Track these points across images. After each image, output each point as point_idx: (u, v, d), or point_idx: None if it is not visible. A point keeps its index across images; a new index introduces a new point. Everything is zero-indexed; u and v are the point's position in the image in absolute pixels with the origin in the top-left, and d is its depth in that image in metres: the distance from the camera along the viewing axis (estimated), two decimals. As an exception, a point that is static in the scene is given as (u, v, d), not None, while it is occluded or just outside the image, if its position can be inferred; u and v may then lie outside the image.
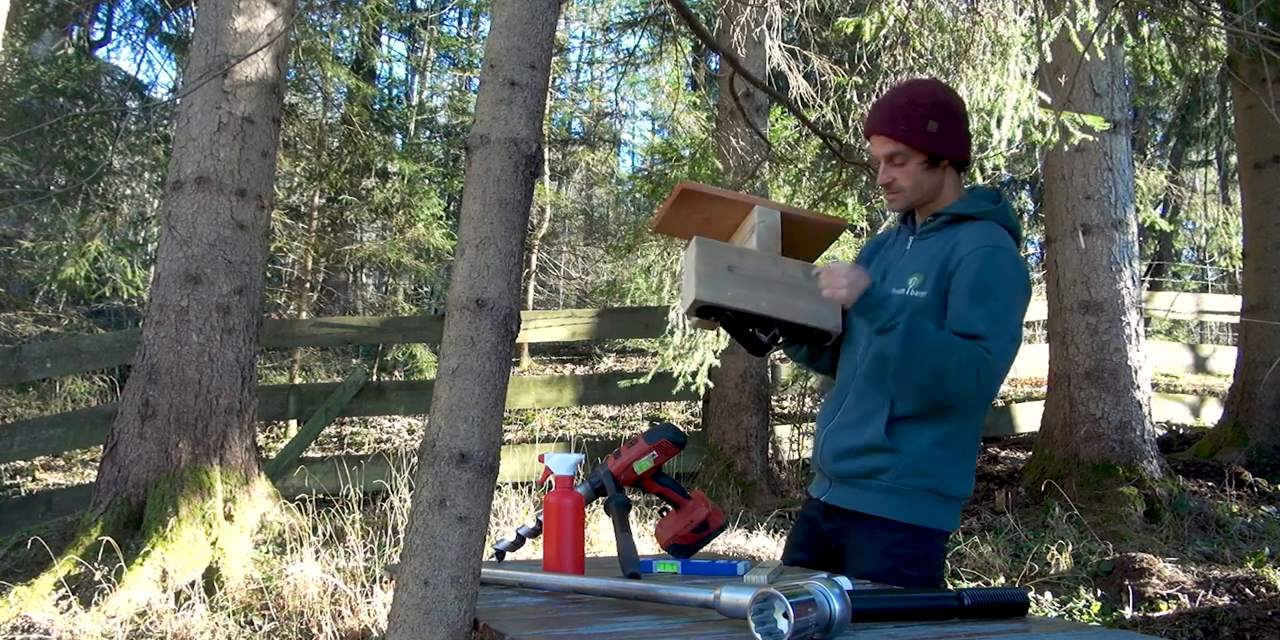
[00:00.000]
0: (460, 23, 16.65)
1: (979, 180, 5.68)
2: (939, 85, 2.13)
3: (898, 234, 2.14)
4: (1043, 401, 6.50)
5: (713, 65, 12.83)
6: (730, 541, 4.88)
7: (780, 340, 2.05)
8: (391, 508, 4.76)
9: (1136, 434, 5.85)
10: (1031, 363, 7.81)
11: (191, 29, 8.59)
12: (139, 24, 10.70)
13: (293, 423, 8.03)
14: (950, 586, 4.31)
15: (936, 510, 1.92)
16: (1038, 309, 8.06)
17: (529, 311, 8.55)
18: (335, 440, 8.84)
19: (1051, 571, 4.61)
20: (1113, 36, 5.42)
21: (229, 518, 4.40)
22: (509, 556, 2.08)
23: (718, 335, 1.82)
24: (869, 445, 1.94)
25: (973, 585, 4.36)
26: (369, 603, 3.83)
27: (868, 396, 1.97)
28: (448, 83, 15.65)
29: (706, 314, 2.00)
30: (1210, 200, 13.68)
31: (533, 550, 3.30)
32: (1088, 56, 5.02)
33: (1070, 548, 4.77)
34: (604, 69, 16.26)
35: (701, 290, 1.96)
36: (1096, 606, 4.17)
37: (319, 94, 10.04)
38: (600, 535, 4.32)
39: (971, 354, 1.79)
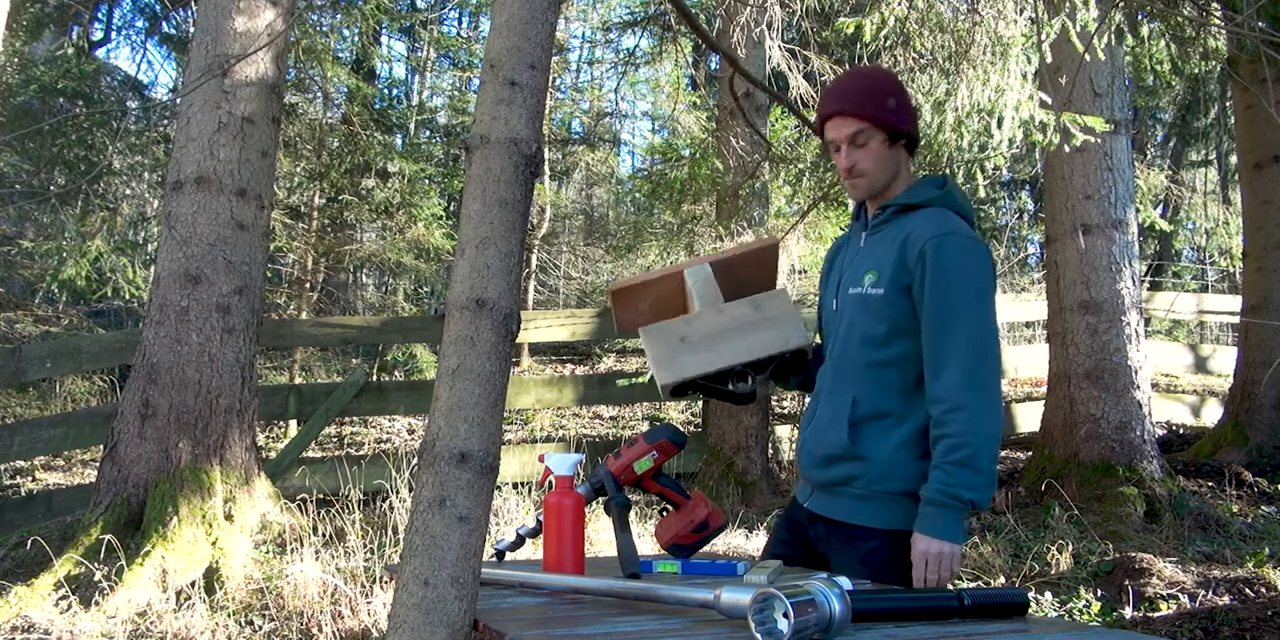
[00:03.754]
0: (460, 23, 16.67)
1: (979, 180, 5.68)
2: (884, 69, 2.15)
3: (851, 233, 2.14)
4: (1043, 401, 6.50)
5: (713, 65, 12.83)
6: (730, 541, 4.88)
7: (757, 380, 2.05)
8: (391, 508, 4.76)
9: (1136, 434, 5.85)
10: (1031, 363, 7.82)
11: (191, 29, 8.59)
12: (139, 24, 10.71)
13: (293, 423, 8.03)
14: (950, 586, 4.31)
15: (913, 512, 1.87)
16: (1038, 309, 8.06)
17: (529, 311, 8.55)
18: (335, 440, 8.84)
19: (1051, 571, 4.60)
20: (1113, 36, 5.42)
21: (229, 518, 4.39)
22: (509, 556, 2.08)
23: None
24: (835, 453, 1.94)
25: (973, 585, 4.36)
26: (369, 603, 3.83)
27: (834, 397, 1.98)
28: (448, 83, 15.66)
29: (682, 391, 2.04)
30: (1210, 200, 13.68)
31: (533, 550, 3.30)
32: (1088, 57, 5.03)
33: (1070, 548, 4.77)
34: (604, 69, 16.27)
35: (662, 374, 2.01)
36: (1096, 606, 4.17)
37: (319, 94, 10.04)
38: (600, 535, 4.32)
39: (971, 430, 1.80)
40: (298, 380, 9.38)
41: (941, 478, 1.81)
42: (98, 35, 11.01)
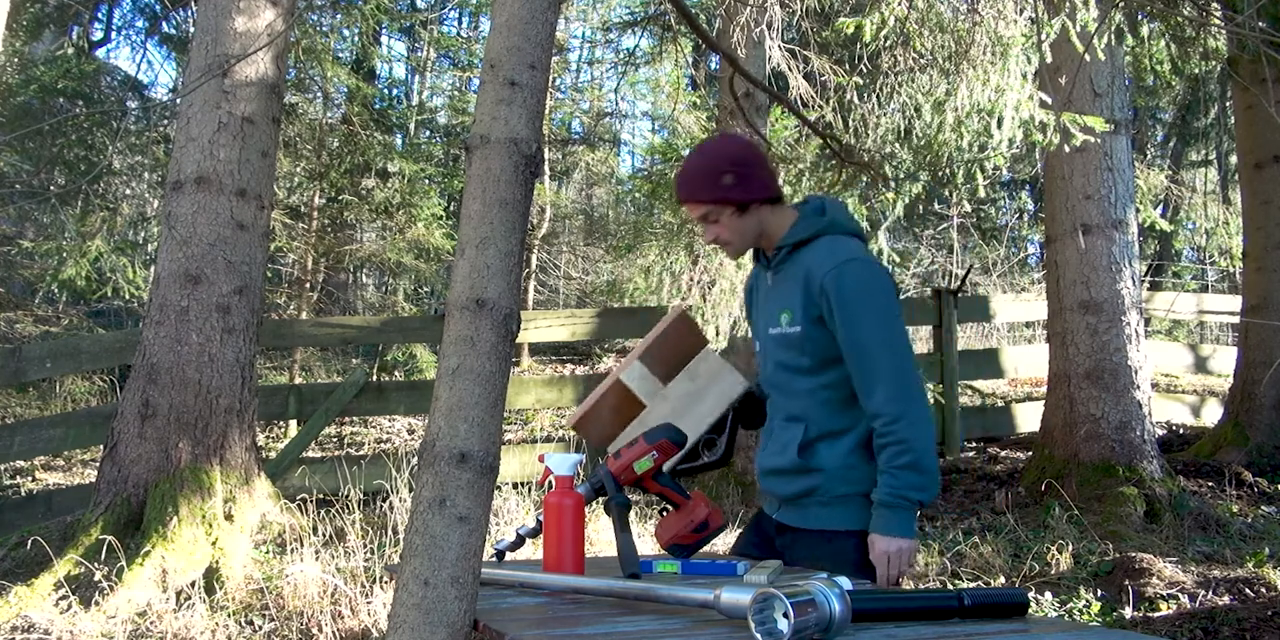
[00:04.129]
0: (460, 23, 16.65)
1: (979, 180, 5.68)
2: (729, 139, 2.30)
3: (758, 272, 2.27)
4: (1043, 401, 6.50)
5: (713, 65, 12.83)
6: (730, 541, 4.88)
7: (723, 441, 2.19)
8: (391, 508, 4.76)
9: (1136, 434, 5.85)
10: (1031, 363, 7.82)
11: (191, 29, 8.59)
12: (139, 24, 10.71)
13: (293, 423, 8.03)
14: (950, 586, 4.31)
15: (868, 512, 2.01)
16: (1038, 309, 8.05)
17: (529, 311, 8.54)
18: (335, 440, 8.84)
19: (1051, 571, 4.60)
20: (1113, 36, 5.42)
21: (229, 518, 4.39)
22: (509, 556, 2.08)
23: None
24: (790, 468, 2.08)
25: (973, 585, 4.36)
26: (369, 603, 3.83)
27: (788, 425, 2.12)
28: (448, 83, 15.65)
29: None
30: (1210, 200, 13.67)
31: (533, 550, 3.30)
32: (1088, 57, 5.03)
33: (1070, 548, 4.77)
34: (604, 69, 16.26)
35: None
36: (1096, 606, 4.17)
37: (319, 94, 10.04)
38: (600, 535, 4.32)
39: (913, 437, 1.95)
40: (298, 380, 9.38)
41: (890, 481, 1.95)
42: (98, 35, 11.01)
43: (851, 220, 2.16)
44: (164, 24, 10.35)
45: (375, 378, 9.40)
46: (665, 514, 2.13)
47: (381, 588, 3.89)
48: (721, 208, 2.08)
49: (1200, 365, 9.49)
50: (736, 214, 2.08)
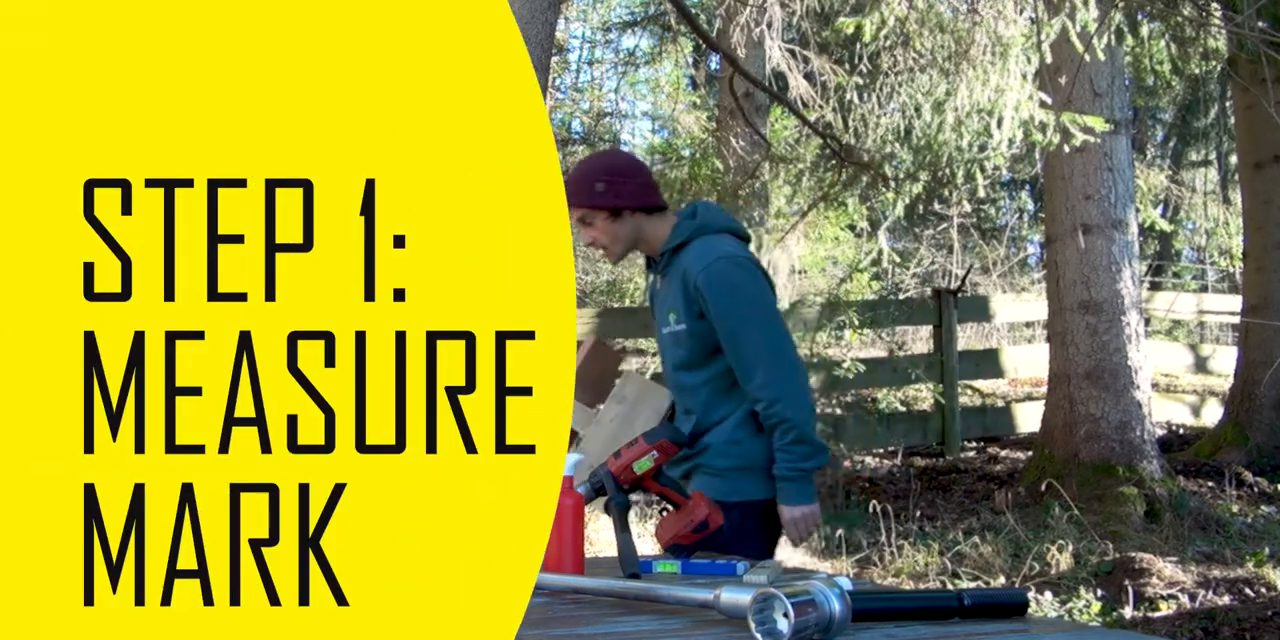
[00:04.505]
0: (460, 23, 16.64)
1: (979, 180, 5.69)
2: (611, 152, 2.66)
3: (652, 278, 2.44)
4: (1043, 401, 6.50)
5: (713, 65, 12.82)
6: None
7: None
8: (391, 508, 4.75)
9: (1136, 434, 5.85)
10: (1031, 363, 7.82)
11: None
12: (139, 24, 10.70)
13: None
14: (950, 586, 4.32)
15: (754, 484, 2.20)
16: (1038, 309, 8.05)
17: (529, 311, 8.51)
18: (335, 440, 8.83)
19: (1051, 571, 4.61)
20: (1113, 37, 5.42)
21: (229, 518, 4.39)
22: (509, 556, 2.08)
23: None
24: (679, 457, 2.21)
25: (973, 585, 4.36)
26: (369, 603, 3.82)
27: (684, 418, 2.31)
28: (448, 83, 15.61)
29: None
30: (1210, 200, 13.67)
31: (533, 550, 3.29)
32: (1088, 57, 5.03)
33: (1070, 548, 4.77)
34: (604, 69, 16.25)
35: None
36: (1096, 606, 4.17)
37: (319, 94, 10.03)
38: (600, 535, 4.32)
39: (793, 415, 2.14)
40: (298, 380, 9.37)
41: (785, 458, 2.16)
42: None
43: (724, 218, 2.35)
44: (164, 24, 10.36)
45: (375, 378, 9.38)
46: (665, 514, 2.13)
47: (381, 588, 3.89)
48: (594, 213, 2.23)
49: (1200, 365, 9.50)
50: (610, 219, 2.23)
